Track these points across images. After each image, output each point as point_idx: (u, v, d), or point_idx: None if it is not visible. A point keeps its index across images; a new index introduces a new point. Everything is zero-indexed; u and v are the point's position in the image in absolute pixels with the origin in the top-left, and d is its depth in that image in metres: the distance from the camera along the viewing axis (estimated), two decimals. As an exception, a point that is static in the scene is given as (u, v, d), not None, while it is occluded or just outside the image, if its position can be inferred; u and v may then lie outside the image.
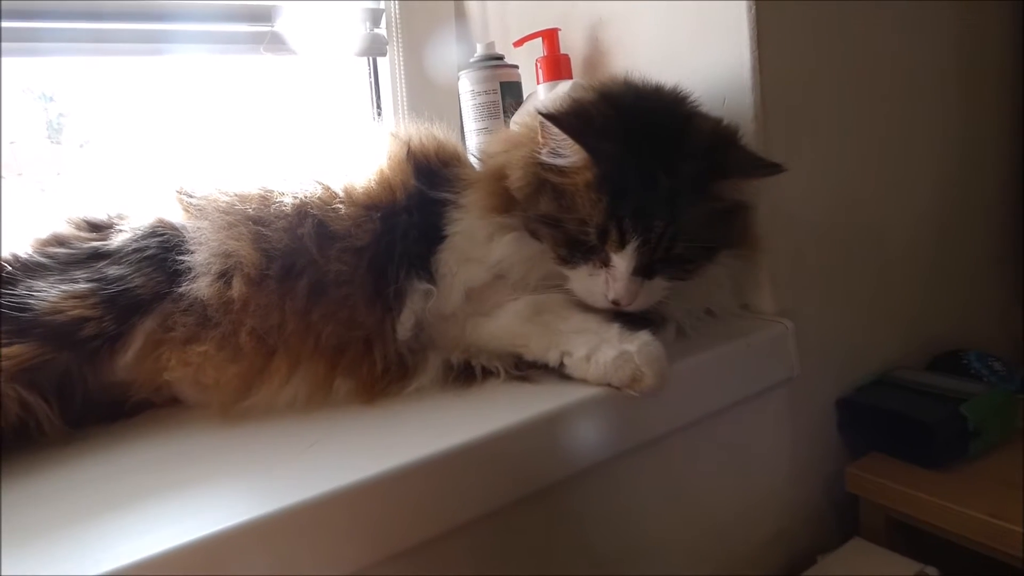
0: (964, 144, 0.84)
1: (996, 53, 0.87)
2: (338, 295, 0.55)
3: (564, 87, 0.76)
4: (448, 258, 0.58)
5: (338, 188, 0.59)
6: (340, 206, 0.57)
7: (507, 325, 0.57)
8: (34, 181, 0.81)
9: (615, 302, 0.54)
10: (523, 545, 0.53)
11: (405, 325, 0.56)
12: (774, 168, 0.56)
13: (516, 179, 0.57)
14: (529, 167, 0.56)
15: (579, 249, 0.55)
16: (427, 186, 0.60)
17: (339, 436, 0.51)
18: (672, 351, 0.58)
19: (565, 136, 0.52)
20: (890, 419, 0.69)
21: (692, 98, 0.60)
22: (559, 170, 0.54)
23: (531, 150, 0.56)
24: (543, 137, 0.54)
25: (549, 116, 0.53)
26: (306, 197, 0.57)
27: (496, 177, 0.58)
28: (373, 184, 0.59)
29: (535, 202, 0.56)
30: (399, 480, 0.45)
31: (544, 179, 0.55)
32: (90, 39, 0.75)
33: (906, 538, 0.67)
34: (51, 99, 0.81)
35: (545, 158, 0.55)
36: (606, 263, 0.54)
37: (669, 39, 0.72)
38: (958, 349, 0.80)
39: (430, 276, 0.58)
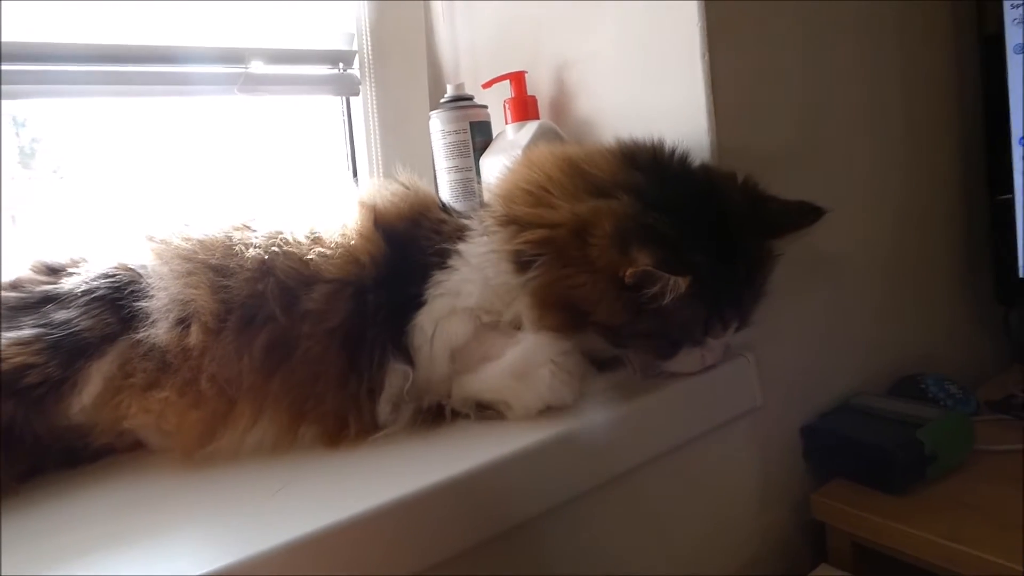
0: (909, 176, 0.88)
1: (936, 88, 0.91)
2: (306, 373, 0.54)
3: (532, 128, 0.79)
4: (424, 322, 0.57)
5: (306, 255, 0.57)
6: (315, 285, 0.56)
7: (496, 383, 0.56)
8: (6, 210, 0.80)
9: (711, 366, 0.61)
10: (494, 584, 0.54)
11: (384, 410, 0.56)
12: (819, 212, 0.60)
13: (607, 312, 0.54)
14: (620, 297, 0.53)
15: (680, 345, 0.58)
16: (400, 254, 0.59)
17: (306, 481, 0.51)
18: (636, 388, 0.60)
19: (664, 280, 0.50)
20: (850, 445, 0.71)
21: (681, 149, 0.61)
22: (659, 297, 0.52)
23: (610, 281, 0.53)
24: (632, 276, 0.51)
25: (652, 269, 0.50)
26: (272, 256, 0.56)
27: (552, 304, 0.55)
28: (339, 260, 0.57)
29: (632, 324, 0.55)
30: (368, 524, 0.45)
31: (640, 303, 0.53)
32: (65, 81, 0.75)
33: (872, 563, 0.69)
34: (23, 125, 0.81)
35: (644, 293, 0.52)
36: (700, 343, 0.58)
37: (629, 82, 0.74)
38: (916, 373, 0.82)
39: (407, 354, 0.57)
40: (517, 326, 0.58)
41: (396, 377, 0.56)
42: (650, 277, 0.51)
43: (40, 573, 0.39)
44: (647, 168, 0.59)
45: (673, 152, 0.61)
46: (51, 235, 0.80)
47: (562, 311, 0.55)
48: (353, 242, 0.58)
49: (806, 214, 0.59)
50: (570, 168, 0.59)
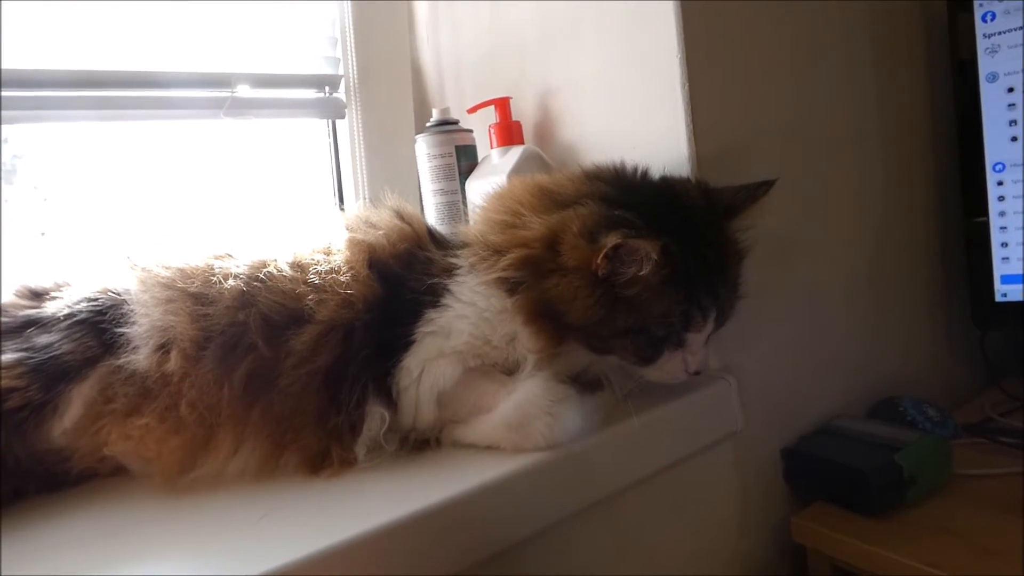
0: (887, 200, 0.89)
1: (911, 112, 0.93)
2: (286, 407, 0.54)
3: (517, 152, 0.80)
4: (411, 364, 0.56)
5: (295, 291, 0.56)
6: (304, 325, 0.55)
7: (490, 437, 0.56)
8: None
9: (696, 372, 0.59)
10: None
11: (360, 452, 0.55)
12: (769, 184, 0.62)
13: (582, 310, 0.54)
14: (593, 294, 0.54)
15: (662, 344, 0.57)
16: (392, 294, 0.59)
17: (289, 508, 0.51)
18: (617, 413, 0.60)
19: (636, 251, 0.52)
20: (830, 468, 0.71)
21: (642, 167, 0.64)
22: (633, 282, 0.53)
23: (583, 278, 0.54)
24: (604, 260, 0.52)
25: (623, 240, 0.51)
26: (253, 287, 0.56)
27: (537, 314, 0.56)
28: (333, 303, 0.56)
29: (610, 321, 0.55)
30: (350, 552, 0.45)
31: (615, 296, 0.54)
32: (53, 107, 0.76)
33: (852, 586, 0.69)
34: (5, 141, 0.81)
35: (620, 277, 0.53)
36: (681, 344, 0.58)
37: (612, 109, 0.76)
38: (894, 396, 0.83)
39: (388, 395, 0.56)
40: (510, 368, 0.59)
41: (373, 420, 0.56)
42: (622, 250, 0.52)
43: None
44: (609, 181, 0.61)
45: (635, 169, 0.63)
46: (34, 254, 0.79)
47: (545, 320, 0.56)
48: (348, 286, 0.57)
49: (758, 187, 0.61)
50: (539, 191, 0.61)
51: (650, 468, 0.63)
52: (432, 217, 0.84)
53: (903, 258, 0.92)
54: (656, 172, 0.64)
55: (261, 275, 0.57)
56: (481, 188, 0.77)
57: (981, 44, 0.84)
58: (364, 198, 0.90)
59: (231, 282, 0.56)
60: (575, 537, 0.59)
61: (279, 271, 0.58)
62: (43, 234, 0.82)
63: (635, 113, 0.73)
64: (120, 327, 0.56)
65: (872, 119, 0.88)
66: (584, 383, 0.61)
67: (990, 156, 0.85)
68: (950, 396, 0.91)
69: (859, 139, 0.86)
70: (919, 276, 0.94)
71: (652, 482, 0.64)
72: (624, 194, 0.59)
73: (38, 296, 0.61)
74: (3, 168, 0.81)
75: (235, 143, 0.90)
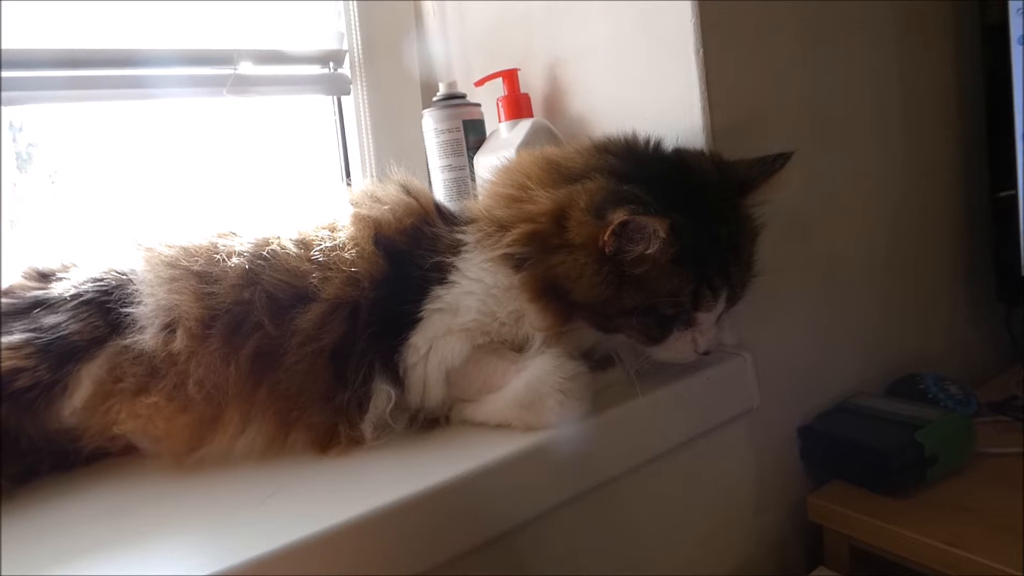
0: (908, 172, 0.87)
1: (936, 81, 0.90)
2: (292, 385, 0.54)
3: (526, 126, 0.78)
4: (418, 341, 0.56)
5: (299, 268, 0.56)
6: (310, 304, 0.55)
7: (501, 414, 0.55)
8: (5, 214, 0.81)
9: (706, 352, 0.57)
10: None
11: (367, 430, 0.55)
12: (786, 157, 0.59)
13: (588, 287, 0.53)
14: (600, 271, 0.53)
15: (671, 323, 0.56)
16: (398, 270, 0.58)
17: (297, 486, 0.50)
18: (630, 390, 0.59)
19: (644, 228, 0.50)
20: (848, 447, 0.70)
21: (655, 138, 0.61)
22: (641, 260, 0.52)
23: (590, 255, 0.53)
24: (611, 237, 0.51)
25: (630, 216, 0.49)
26: (257, 265, 0.56)
27: (543, 291, 0.55)
28: (339, 281, 0.56)
29: (617, 299, 0.54)
30: (358, 529, 0.44)
31: (622, 274, 0.53)
32: (55, 87, 0.75)
33: (870, 567, 0.68)
34: (20, 130, 0.81)
35: (627, 255, 0.52)
36: (691, 323, 0.56)
37: (623, 78, 0.73)
38: (915, 373, 0.81)
39: (395, 373, 0.56)
40: (519, 346, 0.58)
41: (380, 398, 0.55)
42: (629, 227, 0.50)
43: (36, 574, 0.40)
44: (620, 154, 0.59)
45: (648, 140, 0.61)
46: (47, 239, 0.80)
47: (551, 297, 0.55)
48: (353, 264, 0.56)
49: (774, 161, 0.59)
50: (547, 164, 0.59)
51: (665, 445, 0.62)
52: (440, 194, 0.83)
53: (926, 232, 0.89)
54: (669, 143, 0.62)
55: (265, 253, 0.56)
56: (490, 163, 0.75)
57: (1012, 5, 0.81)
58: (371, 175, 0.88)
59: (235, 260, 0.56)
60: (589, 514, 0.59)
61: (283, 249, 0.57)
62: (49, 220, 0.82)
63: (647, 82, 0.70)
64: (126, 307, 0.56)
65: (894, 89, 0.84)
66: (596, 360, 0.60)
67: (1020, 123, 0.82)
68: (973, 373, 0.89)
69: (881, 109, 0.83)
70: (941, 251, 0.92)
71: (667, 459, 0.63)
72: (634, 167, 0.57)
73: (45, 277, 0.61)
74: (19, 156, 0.81)
75: (241, 120, 0.89)
